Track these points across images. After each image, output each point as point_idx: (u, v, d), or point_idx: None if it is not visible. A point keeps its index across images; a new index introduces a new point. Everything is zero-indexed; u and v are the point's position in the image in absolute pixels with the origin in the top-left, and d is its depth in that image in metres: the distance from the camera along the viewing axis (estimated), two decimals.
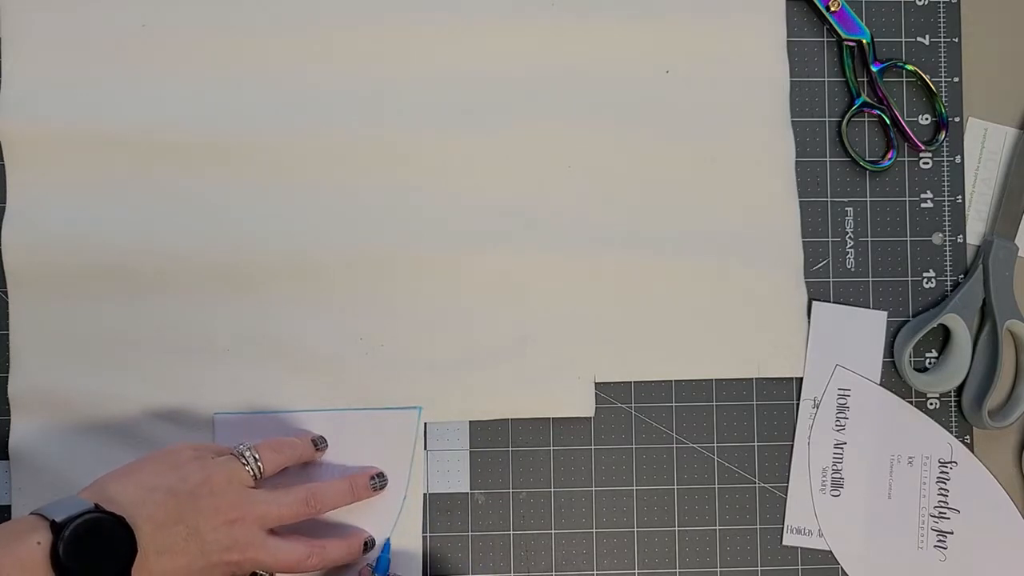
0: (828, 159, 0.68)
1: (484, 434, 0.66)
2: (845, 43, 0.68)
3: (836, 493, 0.66)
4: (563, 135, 0.66)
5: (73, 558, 0.49)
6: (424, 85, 0.66)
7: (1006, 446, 0.68)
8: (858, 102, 0.68)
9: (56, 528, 0.50)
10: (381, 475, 0.63)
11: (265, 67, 0.66)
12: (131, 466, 0.56)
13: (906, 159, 0.68)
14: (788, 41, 0.68)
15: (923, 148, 0.68)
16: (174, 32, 0.65)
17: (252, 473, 0.58)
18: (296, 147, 0.65)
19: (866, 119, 0.69)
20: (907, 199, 0.68)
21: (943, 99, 0.68)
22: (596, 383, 0.66)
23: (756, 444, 0.67)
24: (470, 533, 0.65)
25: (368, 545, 0.62)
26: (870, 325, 0.67)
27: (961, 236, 0.68)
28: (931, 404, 0.68)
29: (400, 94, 0.66)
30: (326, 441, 0.63)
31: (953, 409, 0.68)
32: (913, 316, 0.68)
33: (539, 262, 0.65)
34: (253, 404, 0.64)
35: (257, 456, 0.58)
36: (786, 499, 0.66)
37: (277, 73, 0.66)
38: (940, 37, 0.69)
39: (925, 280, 0.68)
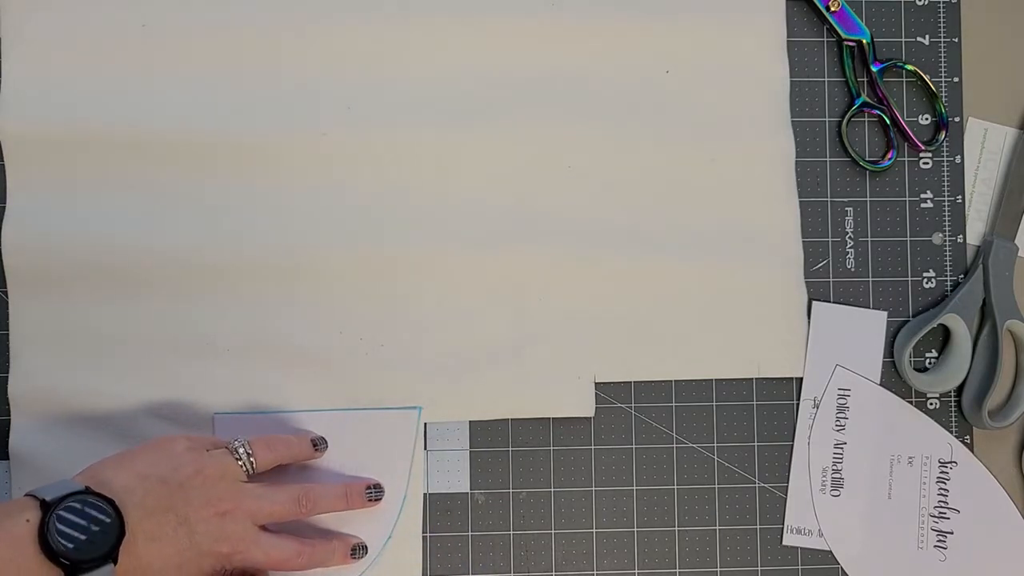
0: (828, 159, 0.68)
1: (484, 434, 0.66)
2: (845, 43, 0.68)
3: (836, 493, 0.66)
4: (563, 135, 0.66)
5: (60, 536, 0.50)
6: (424, 85, 0.66)
7: (1006, 446, 0.68)
8: (858, 102, 0.68)
9: (45, 507, 0.51)
10: (378, 486, 0.63)
11: (265, 67, 0.66)
12: (126, 453, 0.57)
13: (906, 159, 0.68)
14: (788, 41, 0.68)
15: (923, 148, 0.68)
16: (174, 32, 0.65)
17: (244, 468, 0.58)
18: (296, 147, 0.65)
19: (866, 119, 0.69)
20: (907, 199, 0.68)
21: (943, 99, 0.68)
22: (596, 383, 0.66)
23: (756, 444, 0.67)
24: (470, 533, 0.65)
25: (357, 550, 0.62)
26: (870, 325, 0.67)
27: (961, 236, 0.68)
28: (931, 404, 0.68)
29: (400, 94, 0.66)
30: (326, 442, 0.63)
31: (953, 409, 0.68)
32: (913, 316, 0.68)
33: (539, 262, 0.65)
34: (253, 404, 0.64)
35: (250, 451, 0.58)
36: (786, 499, 0.66)
37: (277, 73, 0.66)
38: (940, 37, 0.69)
39: (925, 280, 0.68)
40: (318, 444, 0.63)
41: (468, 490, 0.66)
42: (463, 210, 0.65)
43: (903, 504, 0.66)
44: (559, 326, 0.66)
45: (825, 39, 0.69)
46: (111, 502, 0.52)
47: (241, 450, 0.58)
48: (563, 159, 0.66)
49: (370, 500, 0.63)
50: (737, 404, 0.67)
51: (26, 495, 0.52)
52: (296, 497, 0.59)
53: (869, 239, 0.68)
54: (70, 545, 0.50)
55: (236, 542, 0.56)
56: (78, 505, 0.51)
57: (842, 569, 0.66)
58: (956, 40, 0.69)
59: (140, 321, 0.64)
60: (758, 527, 0.66)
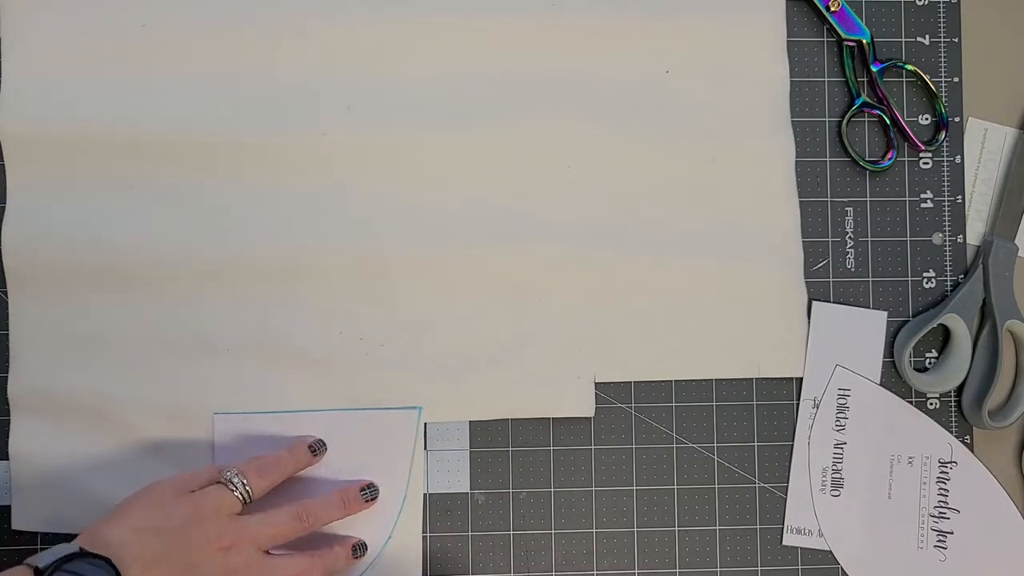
0: (828, 159, 0.68)
1: (484, 434, 0.66)
2: (845, 43, 0.68)
3: (836, 493, 0.66)
4: (563, 135, 0.66)
5: None
6: (424, 85, 0.66)
7: (1006, 446, 0.68)
8: (858, 102, 0.68)
9: (38, 573, 0.51)
10: (371, 486, 0.63)
11: (265, 67, 0.66)
12: (119, 509, 0.56)
13: (906, 159, 0.69)
14: (788, 41, 0.68)
15: (923, 148, 0.68)
16: (174, 32, 0.65)
17: (241, 498, 0.58)
18: (296, 147, 0.65)
19: (866, 119, 0.69)
20: (907, 199, 0.68)
21: (943, 99, 0.68)
22: (596, 383, 0.66)
23: (756, 444, 0.67)
24: (470, 533, 0.65)
25: (357, 549, 0.62)
26: (870, 325, 0.67)
27: (961, 236, 0.68)
28: (931, 404, 0.68)
29: (400, 94, 0.66)
30: (324, 444, 0.63)
31: (953, 409, 0.68)
32: (913, 316, 0.68)
33: (539, 262, 0.65)
34: (253, 404, 0.64)
35: (245, 480, 0.58)
36: (786, 499, 0.66)
37: (277, 73, 0.66)
38: (940, 37, 0.69)
39: (925, 280, 0.68)
40: (316, 449, 0.63)
41: (468, 490, 0.66)
42: (463, 210, 0.65)
43: (903, 504, 0.66)
44: (559, 326, 0.66)
45: (825, 39, 0.69)
46: (108, 560, 0.52)
47: (236, 480, 0.58)
48: (563, 159, 0.66)
49: (367, 501, 0.63)
50: (737, 404, 0.67)
51: (23, 563, 0.52)
52: (295, 515, 0.59)
53: (869, 239, 0.68)
54: None
55: (245, 572, 0.56)
56: (72, 568, 0.51)
57: (842, 569, 0.66)
58: (956, 40, 0.69)
59: (140, 321, 0.64)
60: (758, 527, 0.66)
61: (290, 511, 0.59)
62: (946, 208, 0.68)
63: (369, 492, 0.63)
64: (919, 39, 0.69)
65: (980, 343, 0.67)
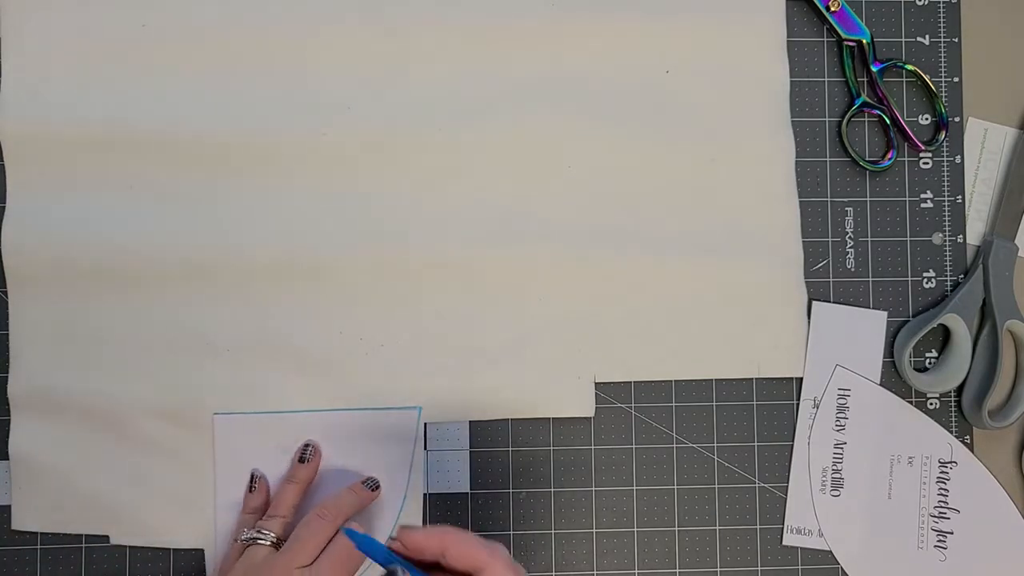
0: (828, 159, 0.68)
1: (484, 434, 0.66)
2: (845, 43, 0.68)
3: (836, 493, 0.66)
4: (563, 135, 0.66)
5: None
6: (424, 85, 0.66)
7: (1006, 446, 0.68)
8: (858, 102, 0.68)
9: None
10: (372, 478, 0.64)
11: (265, 67, 0.66)
12: None
13: (906, 159, 0.69)
14: (788, 41, 0.68)
15: (923, 148, 0.68)
16: (174, 32, 0.65)
17: (272, 544, 0.59)
18: (296, 147, 0.65)
19: (866, 119, 0.69)
20: (907, 199, 0.68)
21: (943, 99, 0.68)
22: (596, 383, 0.66)
23: (756, 444, 0.67)
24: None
25: (370, 481, 0.63)
26: (870, 325, 0.67)
27: (961, 236, 0.68)
28: (931, 404, 0.68)
29: (400, 94, 0.66)
30: (310, 446, 0.63)
31: (953, 409, 0.68)
32: (913, 316, 0.68)
33: (539, 262, 0.65)
34: (253, 404, 0.64)
35: (263, 528, 0.59)
36: (786, 499, 0.66)
37: (277, 73, 0.66)
38: (940, 37, 0.69)
39: (925, 280, 0.68)
40: (306, 456, 0.63)
41: (468, 490, 0.66)
42: (463, 210, 0.65)
43: (903, 504, 0.66)
44: (559, 326, 0.66)
45: (825, 39, 0.69)
46: None
47: (255, 534, 0.59)
48: (563, 159, 0.66)
49: (372, 490, 0.63)
50: (737, 404, 0.67)
51: None
52: (316, 516, 0.58)
53: (869, 239, 0.68)
54: None
55: None
56: None
57: (842, 569, 0.66)
58: (956, 40, 0.69)
59: (140, 321, 0.64)
60: (758, 527, 0.66)
61: (309, 517, 0.59)
62: (946, 208, 0.68)
63: (371, 483, 0.63)
64: (919, 39, 0.69)
65: (980, 343, 0.67)
